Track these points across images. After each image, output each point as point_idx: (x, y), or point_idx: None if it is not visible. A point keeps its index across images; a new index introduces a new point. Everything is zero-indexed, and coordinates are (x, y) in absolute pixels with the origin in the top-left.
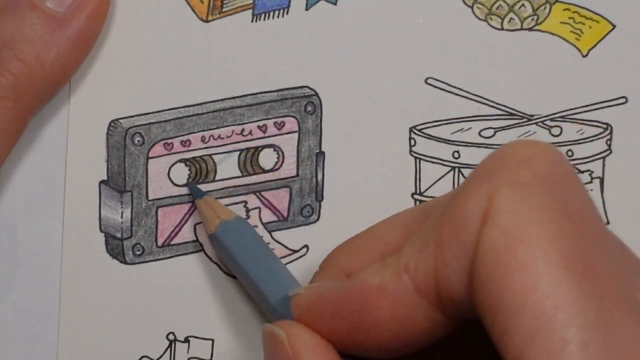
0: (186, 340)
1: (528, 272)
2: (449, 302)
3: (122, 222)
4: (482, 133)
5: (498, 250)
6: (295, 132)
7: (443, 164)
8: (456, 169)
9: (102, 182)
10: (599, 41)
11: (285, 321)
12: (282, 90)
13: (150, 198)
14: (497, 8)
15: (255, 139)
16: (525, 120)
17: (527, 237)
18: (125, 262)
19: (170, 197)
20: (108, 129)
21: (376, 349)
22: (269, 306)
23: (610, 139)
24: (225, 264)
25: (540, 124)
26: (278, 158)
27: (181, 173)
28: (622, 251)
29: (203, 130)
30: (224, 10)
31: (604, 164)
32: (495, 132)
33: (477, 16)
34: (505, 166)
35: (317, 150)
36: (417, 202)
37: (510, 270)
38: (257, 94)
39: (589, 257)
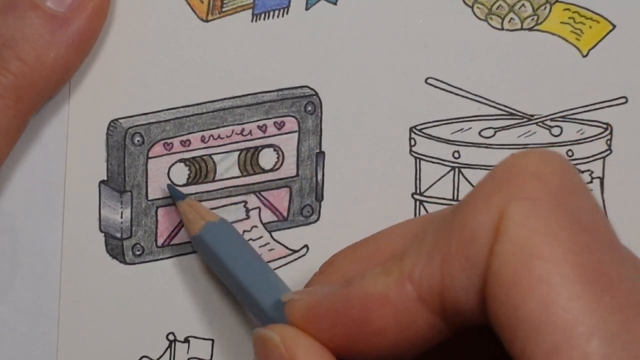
0: (186, 340)
1: (545, 287)
2: (453, 312)
3: (121, 222)
4: (482, 133)
5: (513, 266)
6: (295, 132)
7: (443, 164)
8: (456, 169)
9: (102, 182)
10: (599, 41)
11: (277, 325)
12: (282, 90)
13: (150, 198)
14: (497, 8)
15: (255, 139)
16: (525, 120)
17: (542, 252)
18: (125, 262)
19: (170, 197)
20: (108, 129)
21: (374, 354)
22: (260, 310)
23: (610, 139)
24: (209, 268)
25: (540, 124)
26: (278, 158)
27: (181, 173)
28: (633, 260)
29: (203, 130)
30: (224, 10)
31: (604, 164)
32: (495, 132)
33: (477, 16)
34: (515, 180)
35: (317, 150)
36: (417, 202)
37: (527, 286)
38: (257, 93)
39: (605, 269)
